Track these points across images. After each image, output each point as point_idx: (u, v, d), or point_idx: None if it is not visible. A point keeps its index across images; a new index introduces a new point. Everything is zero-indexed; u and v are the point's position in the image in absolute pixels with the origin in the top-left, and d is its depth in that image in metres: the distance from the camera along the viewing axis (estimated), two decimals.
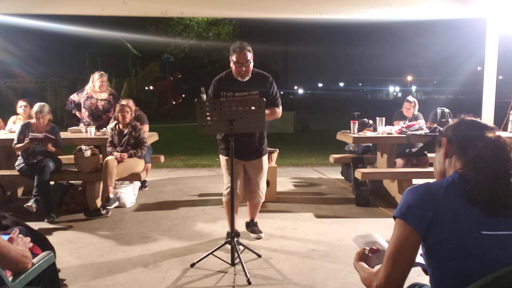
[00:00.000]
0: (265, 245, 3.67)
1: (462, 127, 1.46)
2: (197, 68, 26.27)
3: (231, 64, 3.53)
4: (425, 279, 1.52)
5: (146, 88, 27.21)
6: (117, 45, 25.46)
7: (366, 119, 5.73)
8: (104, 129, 5.10)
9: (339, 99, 58.77)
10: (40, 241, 2.41)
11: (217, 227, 4.20)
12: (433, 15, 5.57)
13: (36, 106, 4.59)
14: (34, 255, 1.96)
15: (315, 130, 16.03)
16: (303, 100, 56.12)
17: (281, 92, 4.00)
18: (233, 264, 3.20)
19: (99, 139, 4.90)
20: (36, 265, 1.89)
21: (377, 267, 1.44)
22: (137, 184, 5.40)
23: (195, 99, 3.08)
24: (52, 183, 4.78)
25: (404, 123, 5.31)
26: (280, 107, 3.71)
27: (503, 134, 2.05)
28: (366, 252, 1.58)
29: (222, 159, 3.75)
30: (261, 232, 3.91)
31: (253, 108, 3.06)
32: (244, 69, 3.46)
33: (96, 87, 5.36)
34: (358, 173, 4.83)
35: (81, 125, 5.39)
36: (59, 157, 4.81)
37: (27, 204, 4.27)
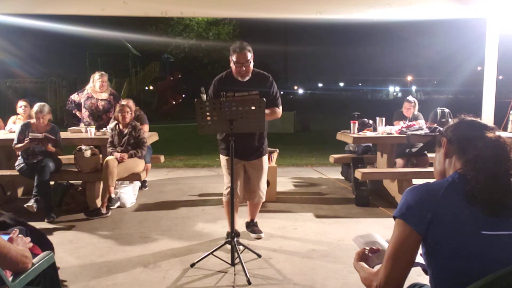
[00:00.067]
0: (265, 245, 3.67)
1: (462, 127, 1.46)
2: (197, 68, 26.27)
3: (231, 64, 3.53)
4: (425, 279, 1.52)
5: (146, 88, 27.21)
6: (117, 45, 25.45)
7: (366, 119, 5.73)
8: (104, 129, 5.10)
9: (339, 99, 58.79)
10: (40, 239, 2.41)
11: (217, 227, 4.20)
12: (433, 15, 5.57)
13: (36, 106, 4.59)
14: (34, 255, 1.96)
15: (315, 130, 16.03)
16: (303, 100, 56.11)
17: (281, 92, 4.00)
18: (233, 264, 3.20)
19: (99, 139, 4.90)
20: (36, 265, 1.89)
21: (377, 267, 1.44)
22: (137, 184, 5.40)
23: (195, 99, 3.09)
24: (52, 183, 4.78)
25: (404, 123, 5.31)
26: (280, 107, 3.71)
27: (503, 134, 2.05)
28: (366, 252, 1.58)
29: (223, 159, 3.75)
30: (261, 232, 3.91)
31: (253, 108, 3.07)
32: (244, 69, 3.47)
33: (96, 87, 5.36)
34: (358, 173, 4.83)
35: (82, 125, 5.40)
36: (59, 157, 4.82)
37: (28, 204, 4.27)
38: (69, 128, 5.38)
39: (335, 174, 6.74)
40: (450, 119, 5.62)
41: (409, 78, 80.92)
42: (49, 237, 2.88)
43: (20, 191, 5.45)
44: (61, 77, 21.11)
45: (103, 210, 4.54)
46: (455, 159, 1.43)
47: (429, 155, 5.40)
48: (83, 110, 5.41)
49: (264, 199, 3.87)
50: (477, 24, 6.05)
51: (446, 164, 1.47)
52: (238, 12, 5.94)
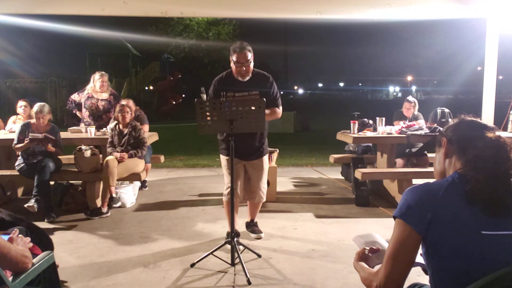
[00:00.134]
0: (265, 245, 3.67)
1: (462, 127, 1.46)
2: (197, 68, 26.27)
3: (232, 64, 3.53)
4: (425, 279, 1.52)
5: (146, 88, 27.22)
6: (117, 45, 25.47)
7: (366, 119, 5.73)
8: (104, 129, 5.10)
9: (339, 99, 58.85)
10: (39, 236, 2.41)
11: (217, 227, 4.20)
12: (433, 15, 5.57)
13: (36, 106, 4.59)
14: (34, 255, 1.96)
15: (315, 130, 16.03)
16: (303, 100, 56.15)
17: (281, 92, 4.00)
18: (233, 264, 3.20)
19: (99, 139, 4.90)
20: (36, 265, 1.89)
21: (377, 267, 1.44)
22: (137, 184, 5.40)
23: (195, 99, 3.09)
24: (52, 183, 4.78)
25: (404, 123, 5.31)
26: (280, 107, 3.71)
27: (503, 134, 2.05)
28: (366, 252, 1.58)
29: (223, 159, 3.75)
30: (261, 232, 3.91)
31: (253, 108, 3.07)
32: (244, 69, 3.47)
33: (96, 87, 5.36)
34: (358, 173, 4.83)
35: (82, 125, 5.40)
36: (59, 157, 4.82)
37: (28, 204, 4.27)
38: (69, 128, 5.38)
39: (335, 174, 6.74)
40: (450, 119, 5.62)
41: (409, 78, 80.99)
42: None
43: (20, 191, 5.45)
44: (61, 77, 21.11)
45: (104, 210, 4.55)
46: (455, 159, 1.43)
47: (429, 155, 5.40)
48: (83, 110, 5.41)
49: (264, 199, 3.87)
50: (477, 24, 6.05)
51: (446, 164, 1.47)
52: (238, 12, 5.93)
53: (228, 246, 3.29)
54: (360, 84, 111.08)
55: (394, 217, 1.37)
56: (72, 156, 4.94)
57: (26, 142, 4.42)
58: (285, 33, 39.83)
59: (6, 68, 17.49)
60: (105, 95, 5.43)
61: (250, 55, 3.46)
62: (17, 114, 5.57)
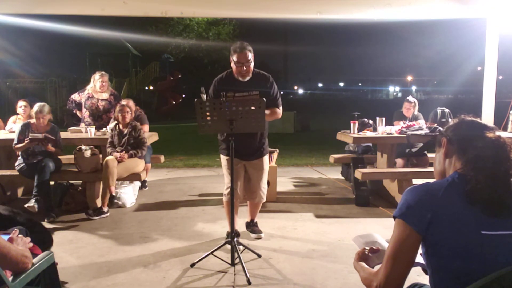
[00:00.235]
0: (265, 245, 3.67)
1: (462, 127, 1.46)
2: (197, 68, 26.27)
3: (232, 64, 3.53)
4: (425, 279, 1.52)
5: (146, 88, 27.22)
6: (117, 45, 25.47)
7: (366, 119, 5.73)
8: (104, 129, 5.10)
9: (339, 99, 58.85)
10: (37, 231, 2.41)
11: (217, 227, 4.20)
12: (433, 15, 5.57)
13: (36, 106, 4.59)
14: (34, 255, 1.96)
15: (315, 130, 16.03)
16: (303, 100, 56.14)
17: (281, 92, 4.00)
18: (233, 264, 3.20)
19: (99, 139, 4.90)
20: (36, 265, 1.89)
21: (377, 267, 1.44)
22: (137, 184, 5.40)
23: (195, 99, 3.09)
24: (52, 183, 4.78)
25: (404, 123, 5.31)
26: (281, 108, 3.71)
27: (503, 134, 2.05)
28: (366, 252, 1.58)
29: (223, 159, 3.75)
30: (261, 232, 3.91)
31: (253, 108, 3.07)
32: (245, 68, 3.47)
33: (97, 87, 5.37)
34: (358, 173, 4.83)
35: (82, 125, 5.40)
36: (59, 157, 4.82)
37: (29, 204, 4.27)
38: (69, 128, 5.38)
39: (335, 174, 6.74)
40: (450, 119, 5.62)
41: (409, 78, 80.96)
42: None
43: (20, 191, 5.45)
44: (61, 77, 21.11)
45: (104, 209, 4.55)
46: (455, 159, 1.43)
47: (429, 155, 5.40)
48: (84, 110, 5.42)
49: (264, 199, 3.87)
50: (477, 24, 6.05)
51: (446, 164, 1.47)
52: (238, 12, 5.93)
53: (228, 246, 3.29)
54: (360, 84, 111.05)
55: (394, 217, 1.37)
56: (72, 156, 4.94)
57: (26, 142, 4.42)
58: (285, 33, 39.90)
59: (6, 68, 17.49)
60: (105, 95, 5.43)
61: (250, 55, 3.47)
62: (17, 114, 5.57)
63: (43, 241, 2.32)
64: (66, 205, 4.81)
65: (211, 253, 3.27)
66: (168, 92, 24.40)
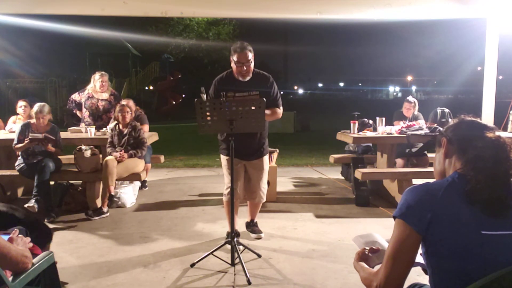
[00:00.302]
0: (265, 245, 3.67)
1: (462, 127, 1.46)
2: (197, 68, 26.27)
3: (232, 64, 3.53)
4: (425, 279, 1.52)
5: (146, 88, 27.22)
6: (117, 45, 25.47)
7: (366, 119, 5.73)
8: (104, 129, 5.10)
9: (339, 99, 58.84)
10: (36, 227, 2.42)
11: (217, 227, 4.20)
12: (433, 15, 5.57)
13: (36, 106, 4.59)
14: (34, 255, 1.96)
15: (315, 130, 16.03)
16: (303, 100, 56.13)
17: (281, 92, 4.00)
18: (233, 264, 3.20)
19: (99, 139, 4.90)
20: (36, 265, 1.89)
21: (377, 267, 1.44)
22: (137, 184, 5.40)
23: (195, 99, 3.09)
24: (52, 183, 4.78)
25: (404, 123, 5.31)
26: (281, 108, 3.71)
27: (503, 134, 2.05)
28: (366, 252, 1.58)
29: (223, 159, 3.75)
30: (261, 232, 3.91)
31: (253, 108, 3.07)
32: (245, 68, 3.47)
33: (97, 87, 5.37)
34: (358, 173, 4.83)
35: (82, 125, 5.40)
36: (59, 157, 4.82)
37: (29, 204, 4.27)
38: (69, 128, 5.38)
39: (335, 174, 6.74)
40: (450, 119, 5.62)
41: (409, 78, 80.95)
42: None
43: (20, 191, 5.45)
44: (61, 77, 21.11)
45: (104, 210, 4.55)
46: (455, 159, 1.43)
47: (429, 155, 5.40)
48: (84, 110, 5.42)
49: (264, 199, 3.87)
50: (477, 24, 6.05)
51: (446, 164, 1.47)
52: (238, 12, 5.93)
53: (228, 246, 3.29)
54: (360, 84, 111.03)
55: (394, 217, 1.37)
56: (72, 156, 4.94)
57: (26, 142, 4.42)
58: (285, 33, 39.94)
59: (6, 68, 17.49)
60: (105, 95, 5.43)
61: (250, 55, 3.47)
62: (17, 114, 5.57)
63: (44, 234, 2.31)
64: (66, 205, 4.81)
65: (211, 253, 3.27)
66: (168, 92, 24.40)
